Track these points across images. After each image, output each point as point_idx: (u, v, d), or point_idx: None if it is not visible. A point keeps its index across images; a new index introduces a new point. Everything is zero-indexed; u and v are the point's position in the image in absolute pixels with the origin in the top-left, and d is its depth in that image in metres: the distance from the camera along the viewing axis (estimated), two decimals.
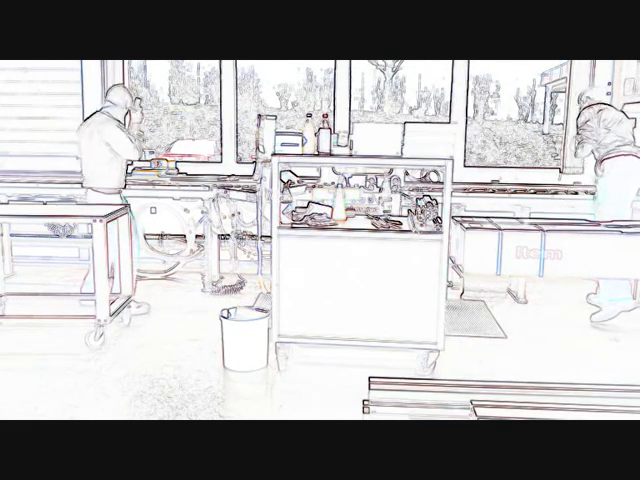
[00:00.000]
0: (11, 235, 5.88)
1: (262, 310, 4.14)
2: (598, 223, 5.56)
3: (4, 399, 3.51)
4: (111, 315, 4.36)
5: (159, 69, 19.92)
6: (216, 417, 3.32)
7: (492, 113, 20.04)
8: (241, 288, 5.86)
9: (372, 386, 3.41)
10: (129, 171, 6.41)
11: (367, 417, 3.18)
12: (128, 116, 5.15)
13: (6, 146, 6.43)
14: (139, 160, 5.34)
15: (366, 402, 3.27)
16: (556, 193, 5.99)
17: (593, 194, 5.98)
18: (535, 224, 5.28)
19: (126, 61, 6.68)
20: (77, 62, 6.29)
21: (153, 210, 6.08)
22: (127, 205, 4.82)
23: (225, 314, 4.06)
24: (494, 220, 5.41)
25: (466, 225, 5.17)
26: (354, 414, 3.18)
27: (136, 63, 18.30)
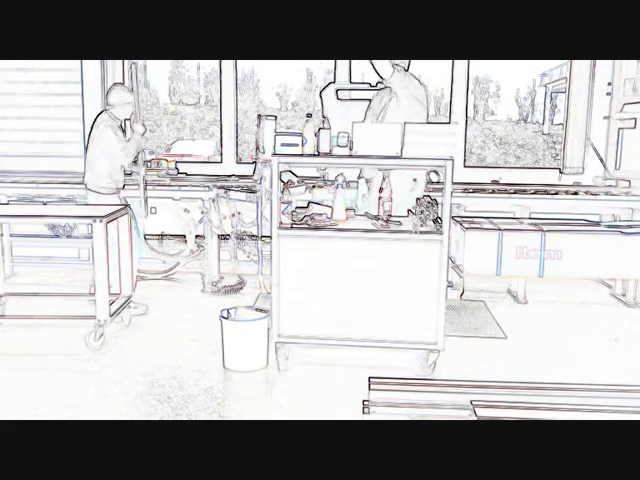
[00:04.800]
0: (11, 235, 5.89)
1: (262, 310, 4.14)
2: (598, 223, 5.57)
3: (4, 399, 3.51)
4: (111, 315, 4.36)
5: (159, 69, 19.92)
6: (216, 417, 3.32)
7: (492, 113, 20.04)
8: (241, 288, 5.86)
9: (372, 386, 3.40)
10: (129, 172, 6.43)
11: (367, 417, 3.18)
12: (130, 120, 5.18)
13: (6, 146, 6.43)
14: (129, 168, 5.33)
15: (366, 402, 3.27)
16: (556, 193, 5.99)
17: (594, 194, 5.99)
18: (535, 224, 5.29)
19: (126, 61, 6.68)
20: (77, 62, 6.29)
21: (153, 210, 6.08)
22: (127, 205, 4.83)
23: (225, 314, 4.06)
24: (494, 220, 5.42)
25: (466, 225, 5.18)
26: (354, 414, 3.19)
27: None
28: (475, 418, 2.99)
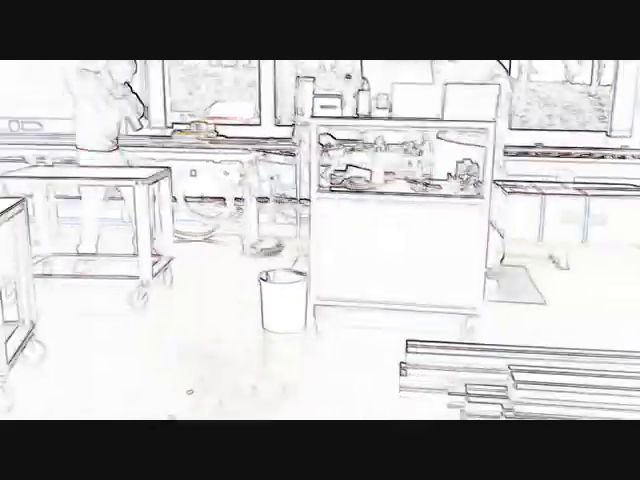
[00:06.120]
0: (56, 197, 6.00)
1: (300, 273, 4.17)
2: None
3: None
4: (153, 276, 4.44)
5: None
6: (253, 380, 3.37)
7: (536, 72, 19.46)
8: (280, 251, 5.90)
9: (409, 349, 3.42)
10: (169, 134, 6.48)
11: (404, 380, 3.20)
12: None
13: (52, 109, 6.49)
14: None
15: (403, 364, 3.29)
16: (602, 157, 5.83)
17: None
18: (579, 189, 5.16)
19: None
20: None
21: (193, 173, 6.13)
22: (167, 168, 4.86)
23: (264, 276, 4.10)
24: (537, 184, 5.30)
25: (508, 189, 5.09)
26: (391, 377, 3.22)
27: None
28: (512, 383, 2.98)
